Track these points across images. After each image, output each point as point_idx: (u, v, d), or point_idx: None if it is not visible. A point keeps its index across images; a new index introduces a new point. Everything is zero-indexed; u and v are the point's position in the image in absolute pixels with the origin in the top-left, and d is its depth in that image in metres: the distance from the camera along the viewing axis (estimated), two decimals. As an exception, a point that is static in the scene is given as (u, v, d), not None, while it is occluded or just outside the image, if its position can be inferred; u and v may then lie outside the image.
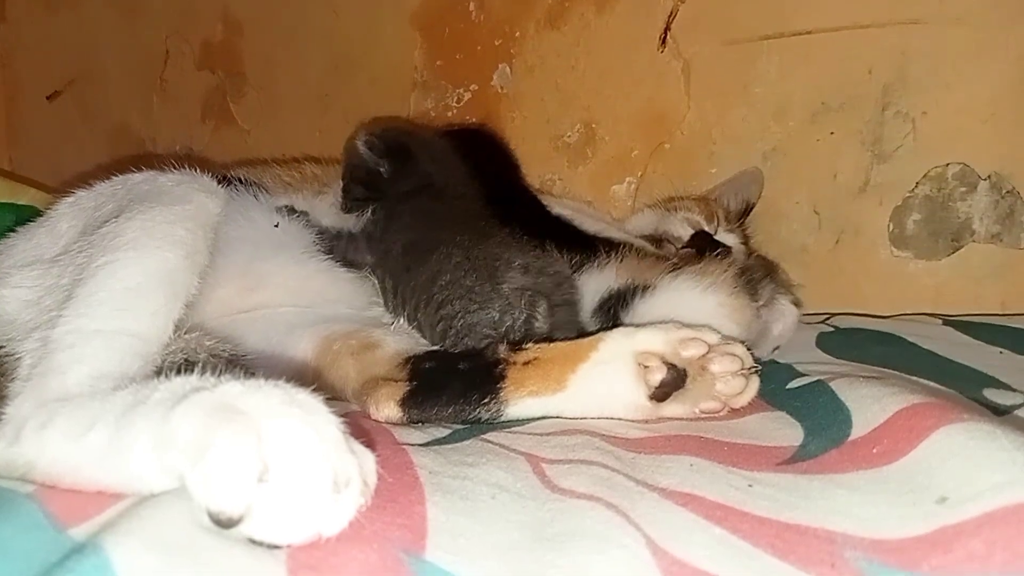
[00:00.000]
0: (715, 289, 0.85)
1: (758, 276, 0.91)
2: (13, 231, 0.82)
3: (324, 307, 0.88)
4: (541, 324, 0.78)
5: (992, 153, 1.11)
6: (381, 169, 0.97)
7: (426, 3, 1.49)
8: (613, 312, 0.88)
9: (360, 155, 0.97)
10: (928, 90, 1.13)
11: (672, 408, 0.69)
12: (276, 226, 0.91)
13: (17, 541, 0.42)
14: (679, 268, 0.89)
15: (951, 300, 1.13)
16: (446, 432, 0.68)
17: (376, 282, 0.93)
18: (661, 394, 0.68)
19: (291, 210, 0.95)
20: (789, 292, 1.02)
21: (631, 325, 0.75)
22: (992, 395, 0.69)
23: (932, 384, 0.69)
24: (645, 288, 0.87)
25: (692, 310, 0.83)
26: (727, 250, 1.09)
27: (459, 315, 0.79)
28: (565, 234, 0.99)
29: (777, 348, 0.88)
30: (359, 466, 0.43)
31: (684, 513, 0.47)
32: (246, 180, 0.94)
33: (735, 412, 0.70)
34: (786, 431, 0.63)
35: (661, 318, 0.81)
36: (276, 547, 0.40)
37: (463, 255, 0.82)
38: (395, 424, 0.71)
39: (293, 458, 0.41)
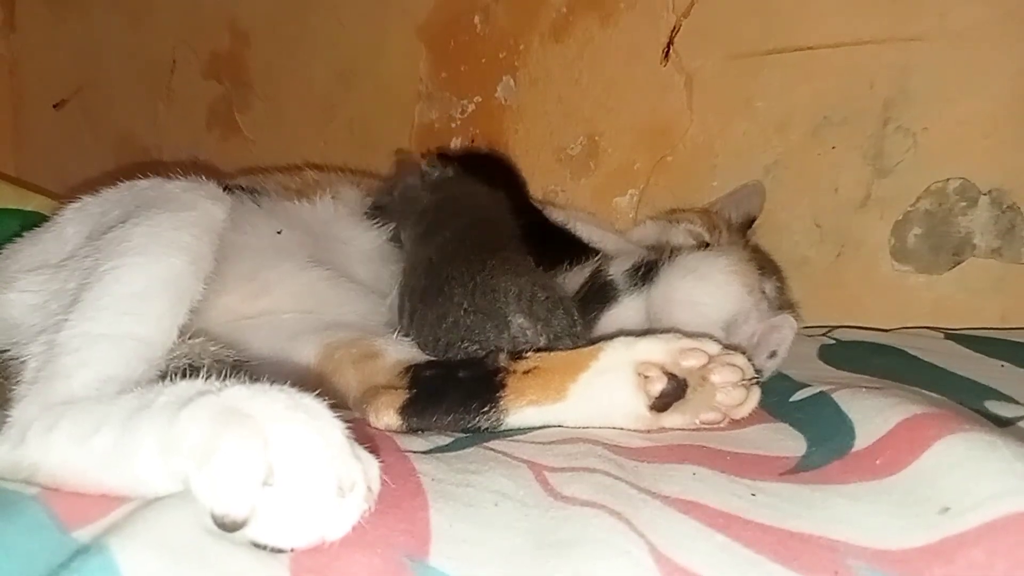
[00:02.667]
0: (727, 254, 0.92)
1: (767, 267, 0.97)
2: (19, 236, 0.83)
3: (327, 314, 0.89)
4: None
5: (993, 168, 1.12)
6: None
7: (432, 15, 1.50)
8: (643, 275, 0.94)
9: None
10: (929, 105, 1.14)
11: (672, 418, 0.69)
12: (279, 232, 0.91)
13: (22, 542, 0.42)
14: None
15: (951, 314, 1.13)
16: (448, 440, 0.68)
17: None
18: (661, 404, 0.68)
19: None
20: (789, 300, 1.05)
21: (631, 334, 0.76)
22: (994, 407, 0.69)
23: (934, 395, 0.69)
24: (670, 255, 0.94)
25: (704, 267, 0.90)
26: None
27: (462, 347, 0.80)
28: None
29: (774, 354, 0.89)
30: (363, 471, 0.43)
31: (687, 521, 0.47)
32: (251, 188, 0.95)
33: (736, 423, 0.70)
34: (789, 442, 0.63)
35: (678, 276, 0.90)
36: (280, 551, 0.41)
37: (464, 293, 0.82)
38: (395, 432, 0.71)
39: (298, 462, 0.41)
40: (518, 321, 0.78)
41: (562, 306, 0.82)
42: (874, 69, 1.16)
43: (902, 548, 0.42)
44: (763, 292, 0.95)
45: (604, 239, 1.09)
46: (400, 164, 1.04)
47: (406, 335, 0.85)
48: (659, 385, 0.68)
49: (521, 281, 0.81)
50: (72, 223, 0.77)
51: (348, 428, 0.44)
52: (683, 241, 1.10)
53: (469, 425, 0.71)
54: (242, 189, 0.94)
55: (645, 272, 0.94)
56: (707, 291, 0.89)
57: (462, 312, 0.80)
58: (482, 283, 0.81)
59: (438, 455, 0.62)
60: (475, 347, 0.78)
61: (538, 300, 0.80)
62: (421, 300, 0.85)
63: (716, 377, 0.68)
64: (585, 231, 1.10)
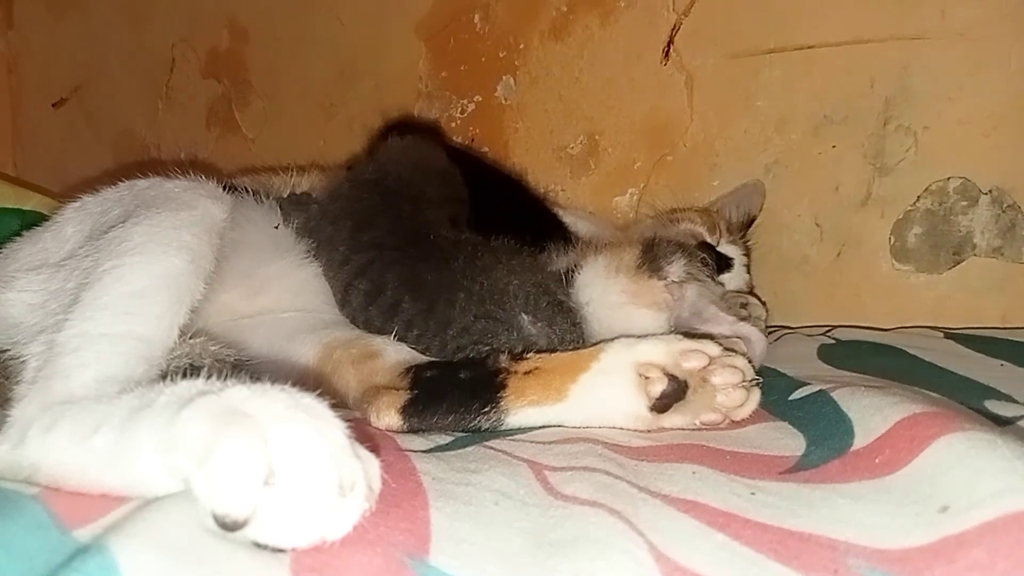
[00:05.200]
0: (618, 273, 0.83)
1: (665, 251, 0.86)
2: (19, 235, 0.82)
3: (325, 312, 0.88)
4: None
5: (993, 167, 1.12)
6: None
7: (431, 14, 1.50)
8: None
9: None
10: (930, 104, 1.14)
11: (672, 419, 0.69)
12: (276, 227, 0.91)
13: (22, 541, 0.42)
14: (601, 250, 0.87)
15: (952, 313, 1.13)
16: (449, 439, 0.68)
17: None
18: (661, 405, 0.68)
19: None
20: (701, 270, 0.93)
21: (632, 336, 0.75)
22: (993, 406, 0.69)
23: (933, 394, 0.69)
24: (578, 268, 0.86)
25: (605, 297, 0.83)
26: (729, 262, 1.10)
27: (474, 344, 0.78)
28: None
29: None
30: (364, 471, 0.43)
31: (687, 519, 0.47)
32: (250, 186, 0.95)
33: (736, 422, 0.70)
34: (788, 441, 0.63)
35: (589, 301, 0.82)
36: (281, 551, 0.41)
37: (468, 298, 0.79)
38: (396, 432, 0.71)
39: (299, 462, 0.41)
40: (528, 325, 0.78)
41: (564, 310, 0.80)
42: (875, 68, 1.17)
43: (902, 547, 0.42)
44: (673, 282, 0.85)
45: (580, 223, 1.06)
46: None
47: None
48: (660, 386, 0.68)
49: (526, 283, 0.80)
50: (72, 222, 0.77)
51: (349, 427, 0.44)
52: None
53: (470, 425, 0.71)
54: (243, 188, 0.94)
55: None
56: (625, 328, 0.80)
57: (472, 317, 0.78)
58: (490, 285, 0.80)
59: (438, 454, 0.62)
60: (486, 347, 0.77)
61: (541, 304, 0.79)
62: (392, 315, 0.82)
63: (717, 379, 0.69)
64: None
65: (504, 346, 0.76)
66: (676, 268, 0.86)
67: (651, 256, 0.85)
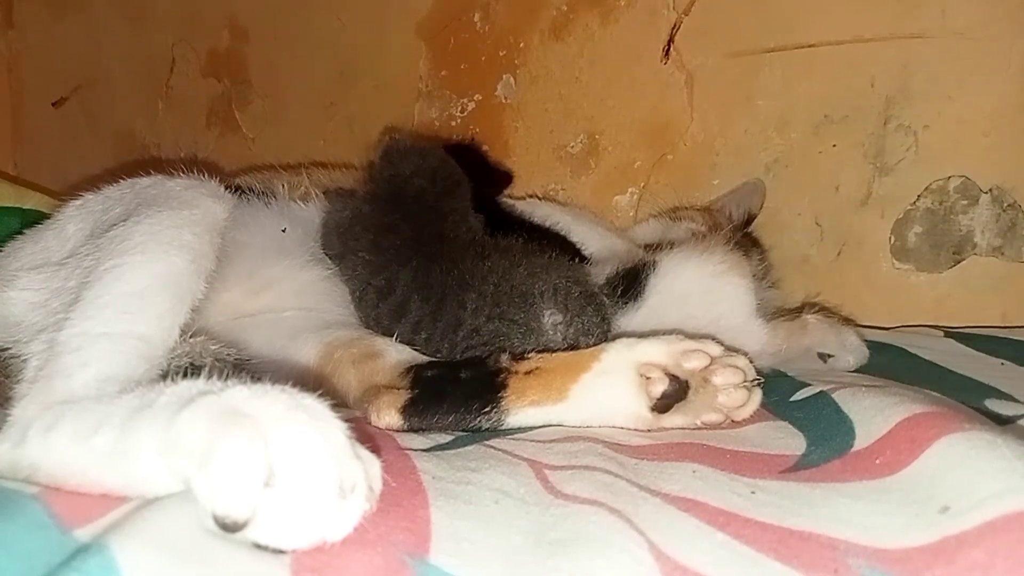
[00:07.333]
0: (712, 252, 0.88)
1: (745, 244, 0.94)
2: (19, 234, 0.82)
3: (327, 311, 0.89)
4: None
5: (994, 166, 1.12)
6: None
7: (431, 13, 1.50)
8: (623, 291, 0.88)
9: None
10: (930, 103, 1.14)
11: (673, 419, 0.69)
12: (284, 231, 0.91)
13: (22, 541, 0.42)
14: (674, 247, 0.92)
15: (952, 312, 1.13)
16: (449, 438, 0.68)
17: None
18: (662, 405, 0.68)
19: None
20: (770, 269, 1.05)
21: (633, 336, 0.75)
22: (994, 405, 0.69)
23: (934, 394, 0.69)
24: (653, 265, 0.89)
25: (698, 275, 0.86)
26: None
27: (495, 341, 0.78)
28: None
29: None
30: (365, 472, 0.43)
31: (687, 518, 0.47)
32: (254, 187, 0.95)
33: (737, 422, 0.70)
34: (789, 440, 0.63)
35: (673, 293, 0.85)
36: (281, 551, 0.41)
37: (483, 296, 0.79)
38: (396, 431, 0.71)
39: (299, 463, 0.41)
40: (553, 318, 0.77)
41: (594, 302, 0.80)
42: (875, 67, 1.16)
43: (902, 547, 0.43)
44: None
45: (590, 235, 1.06)
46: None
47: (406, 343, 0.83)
48: (661, 386, 0.68)
49: (552, 277, 0.80)
50: (73, 221, 0.77)
51: (349, 427, 0.44)
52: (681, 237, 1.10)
53: (470, 425, 0.71)
54: (246, 189, 0.94)
55: (625, 289, 0.88)
56: (721, 299, 0.86)
57: (483, 319, 0.78)
58: (507, 280, 0.79)
59: (438, 453, 0.62)
60: (497, 349, 0.76)
61: (572, 295, 0.78)
62: (400, 315, 0.83)
63: (718, 379, 0.69)
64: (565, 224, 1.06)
65: (516, 348, 0.76)
66: (755, 259, 0.95)
67: (736, 243, 0.91)
